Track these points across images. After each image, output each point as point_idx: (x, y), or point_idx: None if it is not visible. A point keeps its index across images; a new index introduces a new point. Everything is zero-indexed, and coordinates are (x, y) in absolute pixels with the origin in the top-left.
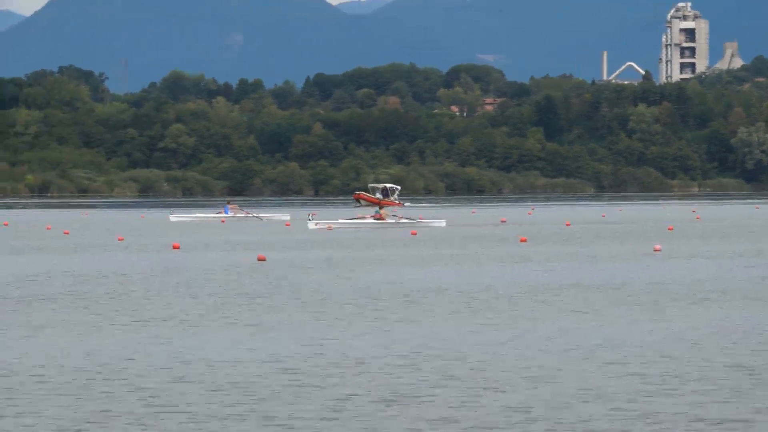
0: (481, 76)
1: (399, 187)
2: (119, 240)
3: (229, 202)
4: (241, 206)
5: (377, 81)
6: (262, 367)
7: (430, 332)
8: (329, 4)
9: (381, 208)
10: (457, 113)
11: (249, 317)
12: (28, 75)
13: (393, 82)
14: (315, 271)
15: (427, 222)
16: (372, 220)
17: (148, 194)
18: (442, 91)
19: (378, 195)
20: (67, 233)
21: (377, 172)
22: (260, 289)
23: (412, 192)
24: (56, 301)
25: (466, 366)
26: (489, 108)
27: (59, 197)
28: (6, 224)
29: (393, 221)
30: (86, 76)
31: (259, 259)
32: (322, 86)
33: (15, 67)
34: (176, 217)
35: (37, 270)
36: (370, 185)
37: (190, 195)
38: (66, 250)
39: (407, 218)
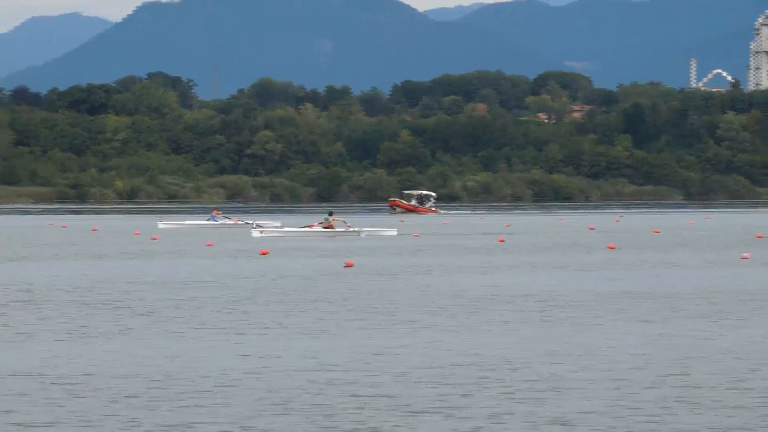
0: (569, 83)
1: (435, 194)
2: (207, 246)
3: (214, 210)
4: (225, 214)
5: (465, 88)
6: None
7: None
8: (417, 11)
9: (330, 215)
10: (545, 120)
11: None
12: (116, 81)
13: (480, 89)
14: (409, 277)
15: (378, 231)
16: (320, 228)
17: (235, 200)
18: (529, 98)
19: (413, 202)
20: (156, 239)
21: (464, 178)
22: (361, 295)
23: (499, 199)
24: (180, 307)
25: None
26: (577, 115)
27: (147, 203)
28: (95, 230)
29: (341, 229)
30: (175, 83)
31: (347, 266)
32: (409, 93)
33: (104, 74)
34: (165, 223)
35: (136, 276)
36: (405, 192)
37: (278, 201)
38: (157, 255)
39: (356, 228)
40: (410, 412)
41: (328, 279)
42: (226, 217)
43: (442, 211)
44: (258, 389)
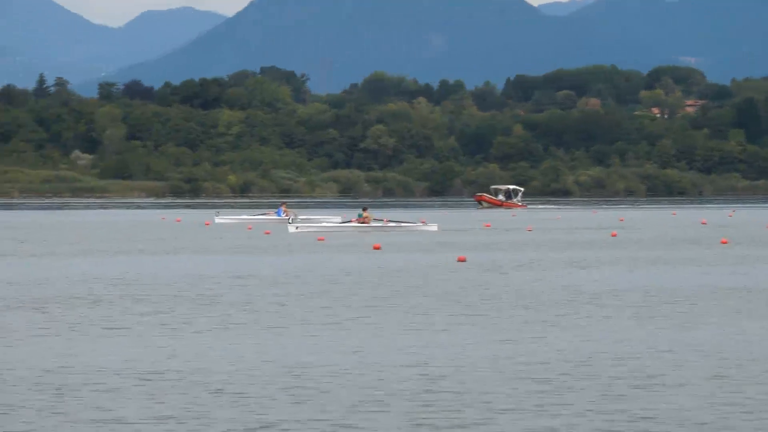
0: (683, 78)
1: (522, 189)
2: (319, 240)
3: (283, 205)
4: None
5: (578, 82)
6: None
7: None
8: (530, 5)
9: (364, 210)
10: (658, 115)
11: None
12: (230, 76)
13: (593, 83)
14: (520, 272)
15: (419, 227)
16: (356, 224)
17: (348, 195)
18: (643, 93)
19: (501, 197)
20: (269, 233)
21: (577, 173)
22: (471, 288)
23: (612, 194)
24: (307, 301)
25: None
26: (690, 110)
27: (260, 197)
28: (207, 224)
29: (379, 225)
30: (288, 77)
31: (459, 260)
32: (522, 88)
33: (217, 68)
34: (222, 218)
35: (251, 270)
36: (493, 187)
37: (391, 196)
38: (271, 250)
39: (395, 222)
40: (506, 408)
41: (443, 273)
42: (293, 212)
43: (537, 207)
44: (369, 385)
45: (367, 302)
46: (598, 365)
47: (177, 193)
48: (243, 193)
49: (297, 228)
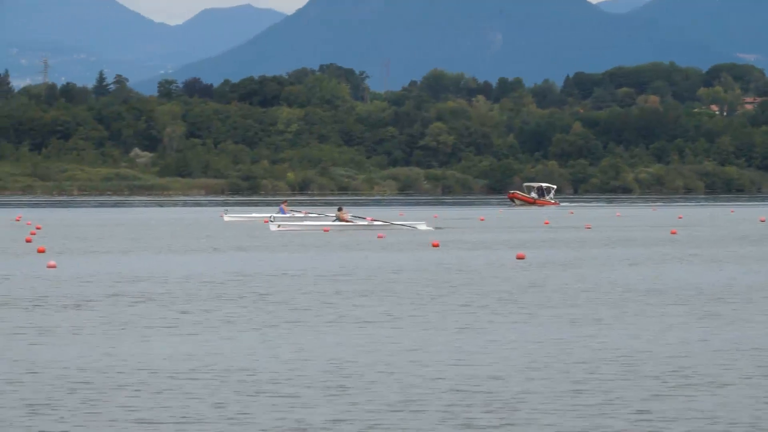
0: (742, 75)
1: (555, 187)
2: (380, 237)
3: (284, 203)
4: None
5: (637, 80)
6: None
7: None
8: (589, 3)
9: (339, 210)
10: (717, 112)
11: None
12: (289, 73)
13: (653, 81)
14: (579, 270)
15: (406, 224)
16: (335, 222)
17: (407, 192)
18: (702, 90)
19: (533, 194)
20: (327, 231)
21: (636, 170)
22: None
23: (671, 191)
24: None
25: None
26: (749, 107)
27: (319, 195)
28: (266, 221)
29: (363, 223)
30: (347, 75)
31: (518, 257)
32: (581, 85)
33: (277, 65)
34: (230, 216)
35: (310, 268)
36: (525, 184)
37: (450, 193)
38: (331, 248)
39: (381, 221)
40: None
41: (503, 270)
42: (295, 210)
43: (608, 205)
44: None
45: (422, 300)
46: (647, 363)
47: (235, 190)
48: (302, 191)
49: (279, 226)
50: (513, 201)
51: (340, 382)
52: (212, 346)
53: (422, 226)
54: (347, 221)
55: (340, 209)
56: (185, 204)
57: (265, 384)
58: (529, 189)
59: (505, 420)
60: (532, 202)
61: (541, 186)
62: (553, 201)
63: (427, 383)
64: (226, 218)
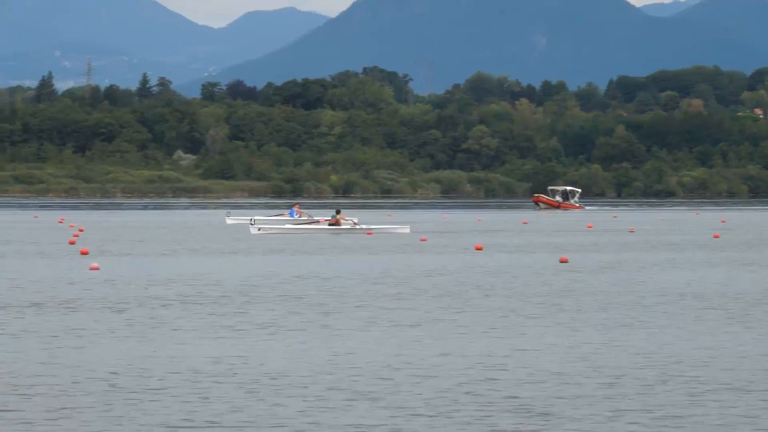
0: None
1: (579, 190)
2: (422, 240)
3: (296, 205)
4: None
5: (680, 83)
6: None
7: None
8: (633, 6)
9: (338, 212)
10: (761, 116)
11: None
12: (332, 76)
13: (697, 84)
14: (623, 273)
15: (389, 229)
16: (326, 225)
17: (450, 195)
18: (746, 94)
19: (558, 198)
20: (371, 234)
21: (680, 174)
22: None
23: (715, 195)
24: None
25: None
26: None
27: (362, 198)
28: (321, 221)
29: (348, 227)
30: (390, 77)
31: (562, 261)
32: (625, 88)
33: (320, 68)
34: (233, 219)
35: (357, 271)
36: (550, 188)
37: (493, 196)
38: (372, 250)
39: (364, 226)
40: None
41: (546, 274)
42: (308, 213)
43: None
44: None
45: (462, 303)
46: (683, 368)
47: (278, 193)
48: (345, 194)
49: (260, 229)
50: (538, 204)
51: (367, 388)
52: (254, 349)
53: (403, 230)
54: (339, 225)
55: (338, 211)
56: (224, 206)
57: (299, 388)
58: (554, 193)
59: (538, 425)
60: (556, 206)
61: (566, 189)
62: (577, 205)
63: (464, 387)
64: (229, 221)
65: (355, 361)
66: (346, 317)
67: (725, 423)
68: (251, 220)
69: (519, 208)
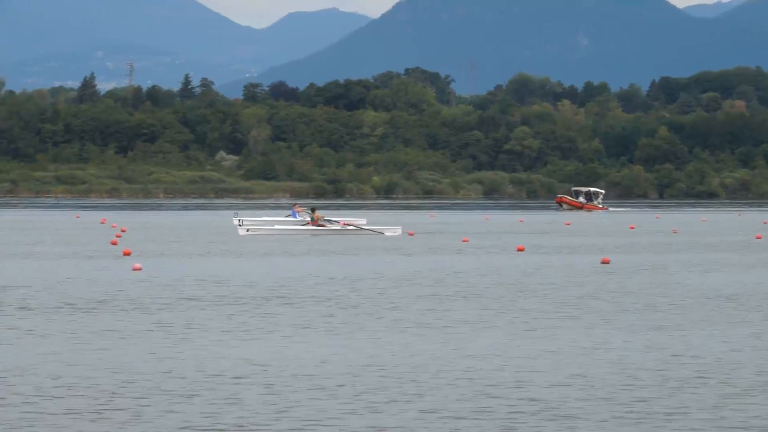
0: None
1: (603, 191)
2: (464, 241)
3: (296, 205)
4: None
5: (723, 84)
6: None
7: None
8: (675, 7)
9: (313, 211)
10: None
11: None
12: (375, 77)
13: (739, 85)
14: (663, 275)
15: (380, 230)
16: (312, 226)
17: (492, 196)
18: None
19: (581, 199)
20: (412, 234)
21: (722, 175)
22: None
23: (757, 196)
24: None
25: None
26: None
27: (404, 199)
28: (342, 224)
29: (336, 228)
30: (432, 78)
31: (603, 262)
32: (667, 89)
33: (362, 69)
34: (239, 219)
35: (399, 271)
36: (574, 189)
37: (535, 197)
38: (413, 251)
39: (353, 225)
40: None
41: (589, 275)
42: (308, 213)
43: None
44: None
45: (504, 304)
46: (717, 370)
47: (320, 194)
48: (387, 195)
49: (248, 231)
50: (561, 205)
51: (398, 389)
52: (316, 346)
53: (390, 232)
54: (321, 225)
55: (314, 210)
56: (267, 207)
57: (339, 388)
58: (577, 194)
59: (571, 427)
60: (580, 207)
61: (589, 191)
62: (601, 206)
63: (494, 390)
64: (235, 221)
65: (384, 362)
66: (376, 318)
67: (761, 426)
68: (239, 220)
69: (548, 209)
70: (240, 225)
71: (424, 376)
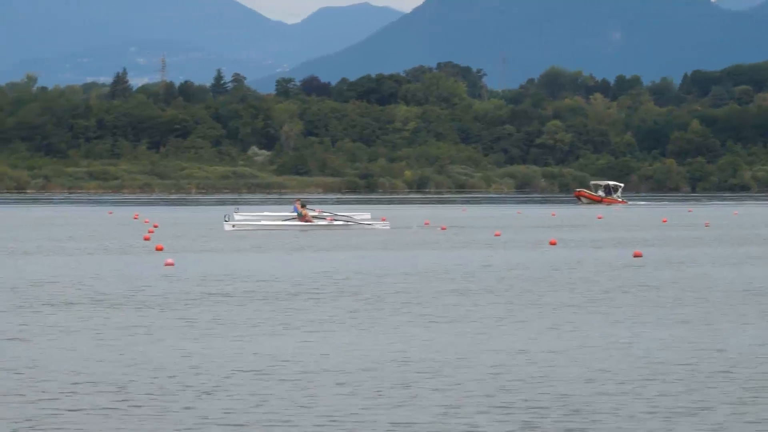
0: None
1: (622, 185)
2: (496, 235)
3: (297, 201)
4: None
5: (755, 77)
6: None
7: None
8: (708, 0)
9: (303, 207)
10: None
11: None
12: (406, 71)
13: None
14: (696, 269)
15: (370, 224)
16: (301, 222)
17: (524, 190)
18: None
19: (600, 192)
20: (444, 229)
21: (754, 168)
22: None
23: None
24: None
25: None
26: None
27: (437, 193)
28: (384, 219)
29: (324, 223)
30: (464, 72)
31: (635, 255)
32: (699, 83)
33: (394, 64)
34: (241, 215)
35: (430, 266)
36: (592, 182)
37: (567, 191)
38: (448, 244)
39: (342, 220)
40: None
41: (618, 269)
42: (311, 209)
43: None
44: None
45: (532, 298)
46: (742, 364)
47: (352, 188)
48: (419, 189)
49: (234, 226)
50: (579, 199)
51: (421, 383)
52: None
53: (380, 225)
54: (309, 220)
55: (303, 206)
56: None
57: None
58: (596, 187)
59: (596, 420)
60: (599, 201)
61: (609, 184)
62: (620, 199)
63: (519, 384)
64: (237, 216)
65: (410, 357)
66: (407, 313)
67: None
68: (225, 216)
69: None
70: (226, 220)
71: (448, 370)
